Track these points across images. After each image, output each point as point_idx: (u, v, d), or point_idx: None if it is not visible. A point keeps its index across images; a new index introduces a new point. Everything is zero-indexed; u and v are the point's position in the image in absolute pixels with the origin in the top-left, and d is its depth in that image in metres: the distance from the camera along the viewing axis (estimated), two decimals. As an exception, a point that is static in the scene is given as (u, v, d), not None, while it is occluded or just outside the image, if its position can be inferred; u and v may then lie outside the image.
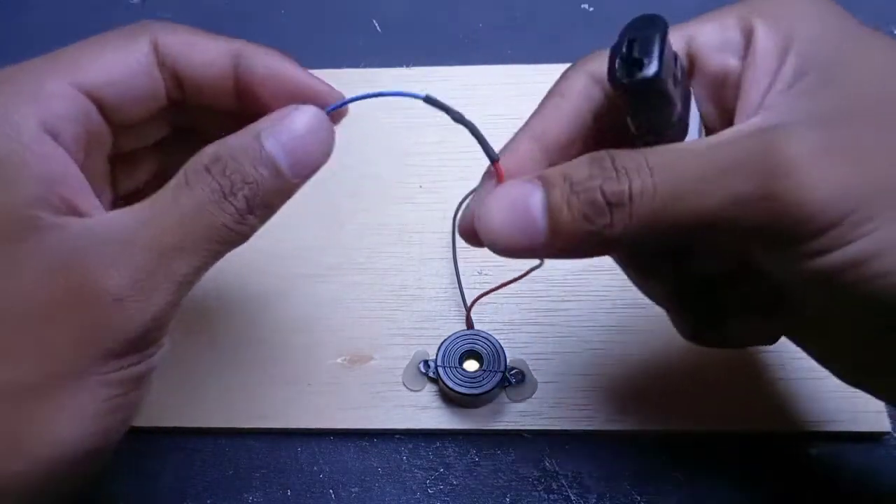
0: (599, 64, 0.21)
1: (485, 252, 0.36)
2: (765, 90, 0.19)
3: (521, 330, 0.32)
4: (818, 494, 0.29)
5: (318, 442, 0.31)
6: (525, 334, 0.32)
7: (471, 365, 0.31)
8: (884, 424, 0.29)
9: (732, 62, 0.21)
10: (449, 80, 0.41)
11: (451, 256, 0.34)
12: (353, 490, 0.30)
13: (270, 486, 0.30)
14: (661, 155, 0.19)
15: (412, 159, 0.38)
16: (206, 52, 0.22)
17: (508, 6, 0.46)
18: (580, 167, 0.20)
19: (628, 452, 0.30)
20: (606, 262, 0.35)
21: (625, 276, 0.34)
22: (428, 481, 0.30)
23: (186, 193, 0.19)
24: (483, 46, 0.43)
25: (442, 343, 0.31)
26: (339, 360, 0.32)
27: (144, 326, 0.19)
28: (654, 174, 0.18)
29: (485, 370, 0.30)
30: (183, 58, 0.22)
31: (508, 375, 0.30)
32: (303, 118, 0.21)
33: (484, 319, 0.33)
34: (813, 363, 0.31)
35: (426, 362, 0.31)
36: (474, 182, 0.39)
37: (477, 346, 0.31)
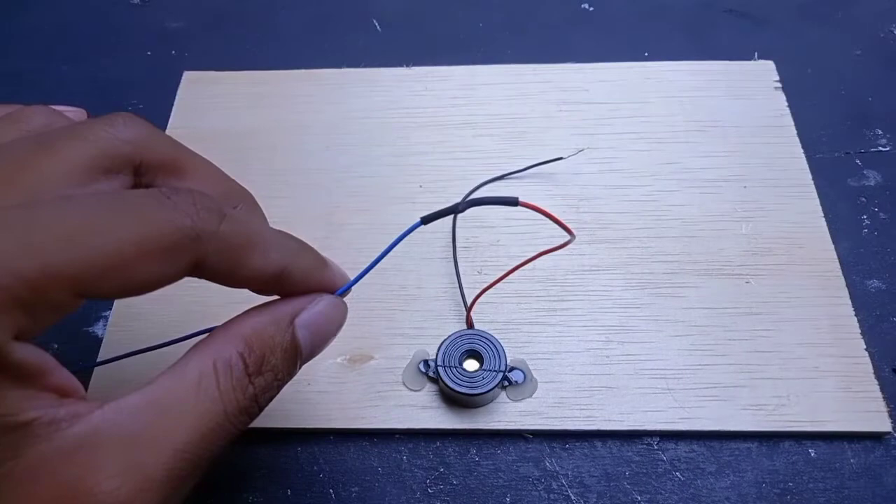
0: None
1: (485, 252, 0.36)
2: None
3: (521, 330, 0.32)
4: (818, 494, 0.29)
5: (318, 442, 0.31)
6: (525, 334, 0.32)
7: (471, 365, 0.31)
8: (884, 424, 0.29)
9: None
10: (449, 80, 0.41)
11: (452, 256, 0.34)
12: (353, 490, 0.30)
13: (270, 486, 0.30)
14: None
15: (412, 159, 0.38)
16: (251, 273, 0.19)
17: (508, 6, 0.46)
18: None
19: (628, 452, 0.30)
20: (606, 262, 0.35)
21: (624, 276, 0.34)
22: (428, 481, 0.30)
23: (209, 389, 0.18)
24: (483, 46, 0.43)
25: (442, 343, 0.31)
26: (339, 360, 0.32)
27: None
28: None
29: (485, 370, 0.30)
30: (223, 277, 0.19)
31: (508, 375, 0.30)
32: (325, 307, 0.21)
33: (484, 319, 0.33)
34: (813, 363, 0.31)
35: (426, 362, 0.31)
36: (474, 182, 0.39)
37: (477, 346, 0.31)
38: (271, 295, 0.21)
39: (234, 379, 0.18)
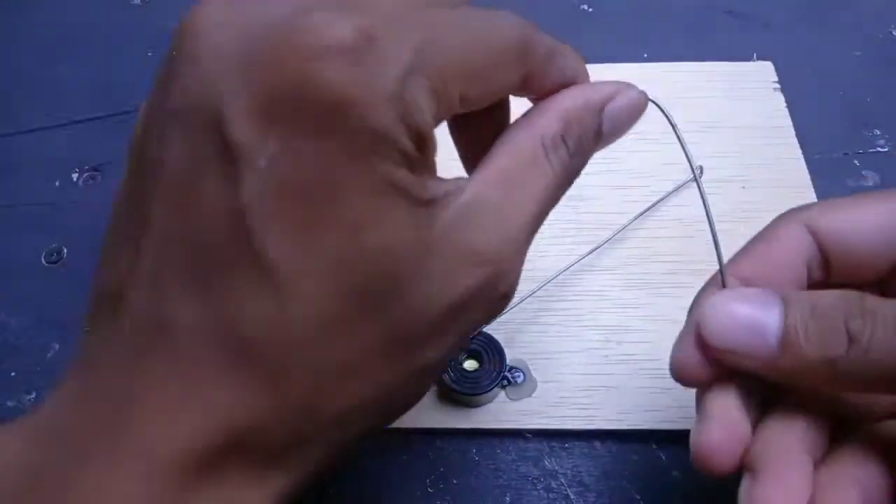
0: (814, 213, 0.22)
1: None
2: None
3: (521, 330, 0.33)
4: None
5: (318, 441, 0.31)
6: (525, 334, 0.32)
7: (471, 364, 0.31)
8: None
9: None
10: (449, 81, 0.41)
11: (451, 256, 0.34)
12: (352, 490, 0.30)
13: (271, 486, 0.30)
14: None
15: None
16: (557, 76, 0.21)
17: (508, 6, 0.46)
18: (826, 296, 0.20)
19: (628, 452, 0.30)
20: (606, 262, 0.35)
21: (624, 276, 0.34)
22: (428, 480, 0.30)
23: (544, 166, 0.20)
24: (483, 47, 0.43)
25: (442, 343, 0.31)
26: (339, 360, 0.32)
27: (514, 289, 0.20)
28: None
29: (485, 370, 0.30)
30: (533, 84, 0.21)
31: (508, 375, 0.30)
32: (631, 101, 0.22)
33: (484, 319, 0.33)
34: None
35: (426, 362, 0.31)
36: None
37: (477, 345, 0.31)
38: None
39: (559, 155, 0.20)
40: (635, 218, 0.35)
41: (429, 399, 0.31)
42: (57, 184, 0.39)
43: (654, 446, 0.30)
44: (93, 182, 0.39)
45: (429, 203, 0.18)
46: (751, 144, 0.38)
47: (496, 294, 0.19)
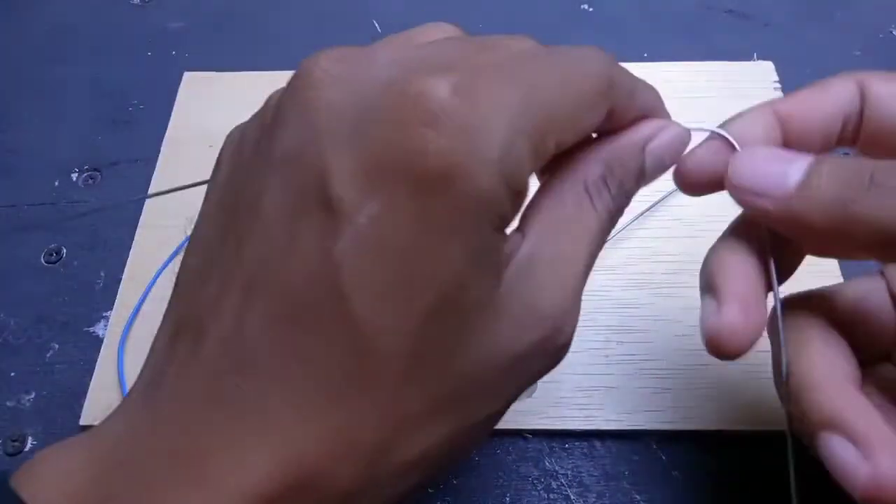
0: (872, 79, 0.22)
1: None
2: None
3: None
4: (818, 494, 0.29)
5: (318, 441, 0.31)
6: (525, 334, 0.32)
7: (471, 365, 0.31)
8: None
9: None
10: (449, 81, 0.41)
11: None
12: (353, 489, 0.30)
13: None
14: None
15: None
16: (636, 112, 0.21)
17: (508, 6, 0.46)
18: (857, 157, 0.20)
19: (628, 452, 0.30)
20: (606, 262, 0.35)
21: (624, 276, 0.34)
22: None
23: (589, 212, 0.20)
24: (483, 47, 0.43)
25: (442, 343, 0.31)
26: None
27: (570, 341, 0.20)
28: None
29: (485, 370, 0.30)
30: (615, 118, 0.21)
31: (508, 375, 0.30)
32: (672, 138, 0.22)
33: (484, 319, 0.33)
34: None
35: (426, 362, 0.31)
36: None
37: (477, 345, 0.31)
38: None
39: (603, 199, 0.21)
40: (635, 218, 0.35)
41: (429, 399, 0.31)
42: (57, 184, 0.39)
43: (654, 446, 0.30)
44: (93, 182, 0.39)
45: (505, 262, 0.18)
46: (751, 144, 0.38)
47: (556, 346, 0.20)
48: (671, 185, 0.36)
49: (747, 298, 0.21)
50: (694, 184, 0.23)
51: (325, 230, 0.16)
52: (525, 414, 0.30)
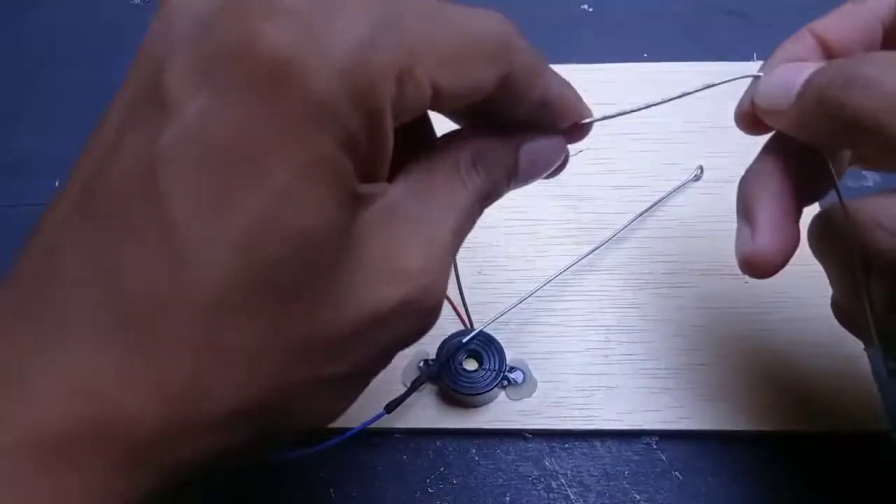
0: None
1: (485, 252, 0.36)
2: None
3: (521, 330, 0.33)
4: (818, 494, 0.29)
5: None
6: (525, 334, 0.32)
7: (471, 364, 0.31)
8: (884, 424, 0.29)
9: None
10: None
11: (451, 256, 0.34)
12: (353, 489, 0.30)
13: (270, 487, 0.30)
14: None
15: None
16: (538, 95, 0.21)
17: (508, 6, 0.46)
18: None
19: (628, 452, 0.30)
20: (606, 262, 0.35)
21: (624, 276, 0.34)
22: (428, 480, 0.30)
23: (460, 187, 0.20)
24: (483, 47, 0.43)
25: (442, 343, 0.31)
26: (339, 360, 0.32)
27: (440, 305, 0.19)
28: None
29: (485, 370, 0.30)
30: (511, 99, 0.20)
31: (508, 375, 0.30)
32: (549, 145, 0.22)
33: (484, 319, 0.33)
34: (811, 363, 0.31)
35: (426, 362, 0.31)
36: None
37: (477, 345, 0.31)
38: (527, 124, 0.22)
39: (472, 178, 0.20)
40: (635, 218, 0.35)
41: (429, 399, 0.31)
42: (57, 184, 0.39)
43: (654, 446, 0.30)
44: (93, 182, 0.39)
45: (358, 198, 0.17)
46: (750, 144, 0.38)
47: (420, 309, 0.18)
48: (671, 185, 0.36)
49: (779, 221, 0.22)
50: (748, 124, 0.24)
51: (152, 126, 0.15)
52: (525, 414, 0.30)
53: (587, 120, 0.22)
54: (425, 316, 0.19)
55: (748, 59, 0.42)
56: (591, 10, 0.46)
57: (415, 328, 0.19)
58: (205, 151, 0.15)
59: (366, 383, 0.19)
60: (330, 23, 0.15)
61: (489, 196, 0.21)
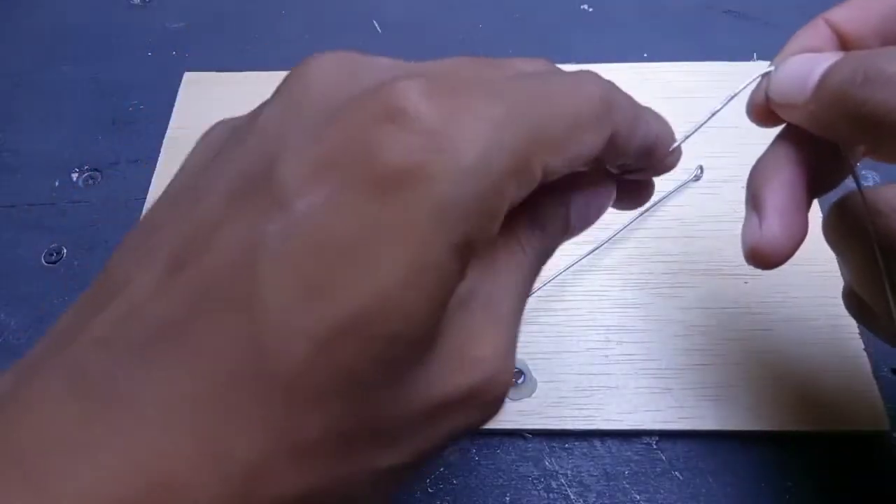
0: None
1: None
2: None
3: (521, 330, 0.32)
4: (818, 494, 0.29)
5: (318, 441, 0.31)
6: (525, 334, 0.32)
7: (471, 365, 0.31)
8: (884, 424, 0.29)
9: None
10: (449, 81, 0.41)
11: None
12: (353, 489, 0.30)
13: (271, 486, 0.30)
14: None
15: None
16: (640, 140, 0.21)
17: (508, 6, 0.46)
18: (877, 49, 0.20)
19: (628, 452, 0.30)
20: (606, 262, 0.35)
21: (624, 276, 0.34)
22: (428, 480, 0.30)
23: (520, 253, 0.19)
24: (483, 46, 0.43)
25: (442, 343, 0.31)
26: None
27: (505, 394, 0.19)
28: None
29: (485, 370, 0.30)
30: (618, 149, 0.20)
31: (508, 375, 0.30)
32: (601, 190, 0.22)
33: (484, 319, 0.33)
34: (811, 362, 0.31)
35: (426, 362, 0.31)
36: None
37: (477, 345, 0.31)
38: (632, 170, 0.22)
39: (530, 241, 0.20)
40: (635, 218, 0.35)
41: (429, 399, 0.31)
42: (57, 184, 0.39)
43: (654, 446, 0.30)
44: (93, 182, 0.39)
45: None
46: (750, 144, 0.38)
47: (486, 400, 0.17)
48: (671, 185, 0.36)
49: (788, 210, 0.22)
50: (761, 117, 0.24)
51: (258, 212, 0.15)
52: (525, 414, 0.30)
53: (673, 147, 0.22)
54: (489, 406, 0.18)
55: (748, 59, 0.42)
56: (590, 9, 0.46)
57: (477, 419, 0.18)
58: (309, 244, 0.14)
59: (408, 478, 0.19)
60: (457, 129, 0.15)
61: (547, 254, 0.20)
